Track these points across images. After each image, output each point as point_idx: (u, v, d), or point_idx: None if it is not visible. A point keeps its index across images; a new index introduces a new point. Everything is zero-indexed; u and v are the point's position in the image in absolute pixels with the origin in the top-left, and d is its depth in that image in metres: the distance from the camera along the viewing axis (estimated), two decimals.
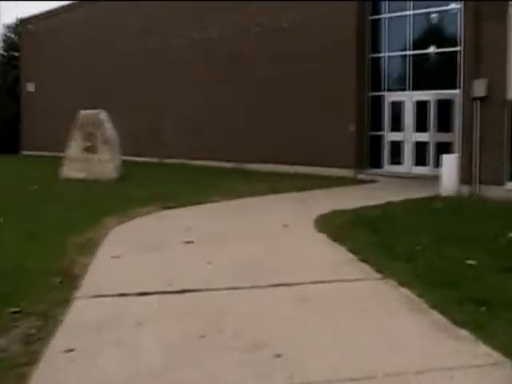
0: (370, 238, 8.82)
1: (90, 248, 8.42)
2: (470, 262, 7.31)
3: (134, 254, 8.01)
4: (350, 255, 7.79)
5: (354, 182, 18.62)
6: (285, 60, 21.43)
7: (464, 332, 5.02)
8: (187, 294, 6.11)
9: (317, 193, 15.45)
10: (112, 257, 7.79)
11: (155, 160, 25.96)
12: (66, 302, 5.92)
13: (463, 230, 9.43)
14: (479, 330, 5.03)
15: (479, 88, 14.23)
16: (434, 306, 5.65)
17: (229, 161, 23.11)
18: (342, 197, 14.81)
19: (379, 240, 8.61)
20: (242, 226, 10.23)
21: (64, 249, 8.26)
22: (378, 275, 6.81)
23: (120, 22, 28.35)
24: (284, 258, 7.75)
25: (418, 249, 8.02)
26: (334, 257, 7.81)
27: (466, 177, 14.58)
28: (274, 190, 15.61)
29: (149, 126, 26.94)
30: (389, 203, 12.96)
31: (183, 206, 12.59)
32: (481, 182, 14.39)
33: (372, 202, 12.86)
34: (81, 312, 5.63)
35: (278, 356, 4.48)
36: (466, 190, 14.52)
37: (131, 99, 27.67)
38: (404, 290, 6.21)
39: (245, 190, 15.65)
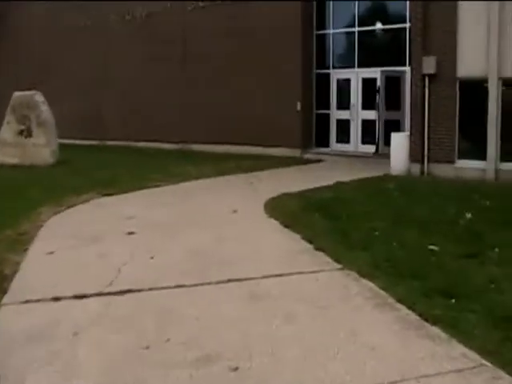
0: (324, 223, 8.35)
1: (22, 243, 7.67)
2: (431, 247, 6.93)
3: (70, 249, 7.31)
4: (305, 244, 7.30)
5: (300, 161, 18.15)
6: (231, 36, 20.68)
7: (436, 330, 4.60)
8: (128, 295, 5.50)
9: (264, 174, 14.90)
10: (46, 253, 7.09)
11: (97, 143, 24.94)
12: None
13: (419, 213, 9.08)
14: (451, 327, 4.63)
15: (428, 65, 13.91)
16: (400, 300, 5.22)
17: (174, 142, 22.33)
18: (290, 178, 14.33)
19: (334, 226, 8.15)
20: (188, 213, 9.61)
21: None
22: (337, 265, 6.34)
23: None
24: (234, 249, 7.20)
25: (376, 234, 7.60)
26: (288, 246, 7.30)
27: (415, 155, 14.30)
28: (221, 172, 15.02)
29: (89, 107, 25.76)
30: (338, 184, 12.56)
31: (125, 192, 11.86)
32: (431, 161, 14.14)
33: (321, 183, 12.41)
34: (7, 322, 4.96)
35: (234, 370, 3.94)
36: (416, 168, 14.26)
37: (70, 80, 26.37)
38: (366, 282, 5.76)
39: (190, 172, 14.99)
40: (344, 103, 19.54)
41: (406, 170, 14.37)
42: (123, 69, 24.31)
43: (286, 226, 8.17)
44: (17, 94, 17.38)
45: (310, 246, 7.17)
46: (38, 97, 17.09)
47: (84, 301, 5.38)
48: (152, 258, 6.71)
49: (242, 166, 16.63)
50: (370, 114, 18.91)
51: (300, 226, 8.09)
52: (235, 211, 9.44)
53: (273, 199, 10.46)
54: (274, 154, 19.04)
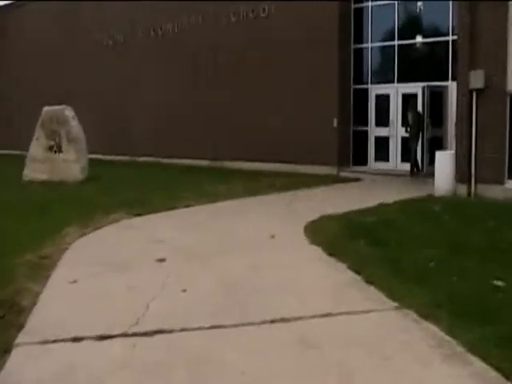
0: (372, 251, 7.62)
1: (44, 268, 7.11)
2: (496, 282, 6.16)
3: (95, 278, 6.70)
4: (353, 275, 6.58)
5: (337, 180, 17.42)
6: (264, 51, 20.18)
7: None
8: (158, 337, 4.84)
9: (300, 194, 14.22)
10: (69, 282, 6.48)
11: (126, 158, 24.57)
12: (3, 350, 4.63)
13: (474, 239, 8.29)
14: None
15: (476, 79, 13.11)
16: (471, 350, 4.47)
17: (204, 158, 21.82)
18: (329, 198, 13.61)
19: (383, 254, 7.41)
20: (222, 237, 8.95)
21: (12, 271, 6.93)
22: (391, 303, 5.61)
23: (83, 17, 26.85)
24: (274, 280, 6.50)
25: (432, 265, 6.84)
26: (334, 277, 6.59)
27: (462, 175, 13.46)
28: (254, 192, 14.37)
29: (119, 122, 25.49)
30: (381, 205, 11.80)
31: (155, 212, 11.28)
32: (478, 181, 13.28)
33: (363, 204, 11.69)
34: (19, 368, 4.33)
35: None
36: (462, 189, 13.41)
37: (99, 95, 26.18)
38: (428, 325, 5.02)
39: (222, 191, 14.39)
40: (383, 120, 18.80)
41: (451, 191, 13.53)
42: (153, 84, 23.93)
43: (331, 254, 7.45)
44: (46, 108, 17.01)
45: (358, 278, 6.46)
46: (68, 112, 16.71)
47: (107, 342, 4.74)
48: (184, 290, 6.04)
49: (276, 184, 15.98)
50: None
51: (345, 254, 7.37)
52: (273, 236, 8.75)
53: (313, 222, 9.75)
54: (308, 172, 18.36)
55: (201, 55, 22.19)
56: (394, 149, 18.57)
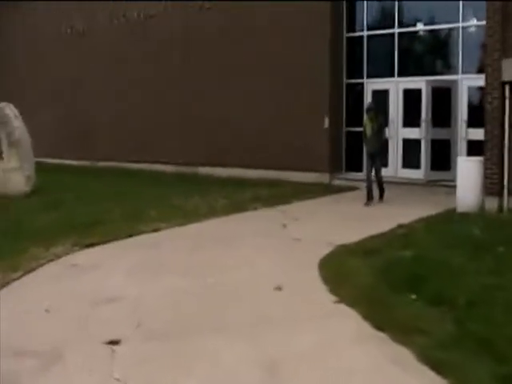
0: (438, 317, 5.04)
1: None
2: None
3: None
4: (433, 376, 3.97)
5: (331, 190, 14.90)
6: (242, 39, 17.53)
7: None
8: None
9: (294, 209, 11.64)
10: None
11: (87, 163, 21.64)
12: None
13: None
14: None
15: (510, 69, 10.69)
16: None
17: (176, 164, 19.06)
18: (329, 215, 11.03)
19: (460, 326, 4.80)
20: (205, 291, 6.25)
21: None
22: None
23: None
24: None
25: None
26: (399, 378, 3.98)
27: (491, 186, 11.05)
28: (238, 207, 11.76)
29: (79, 122, 22.52)
30: (401, 228, 9.33)
31: (110, 240, 8.62)
32: None
33: (376, 227, 9.28)
34: None
35: None
36: (492, 203, 10.98)
37: (57, 92, 23.14)
38: None
39: (198, 206, 11.77)
40: None
41: (477, 206, 11.09)
42: (116, 79, 21.06)
43: (379, 328, 4.84)
44: None
45: (441, 381, 3.86)
46: (10, 110, 13.85)
47: None
48: None
49: (261, 195, 13.43)
50: (413, 132, 15.67)
51: (401, 326, 4.77)
52: (279, 288, 6.11)
53: (327, 259, 7.19)
54: (295, 180, 15.80)
55: (171, 46, 19.43)
56: (394, 153, 16.06)
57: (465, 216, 10.48)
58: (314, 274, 6.53)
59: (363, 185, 15.51)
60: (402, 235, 8.72)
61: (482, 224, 9.50)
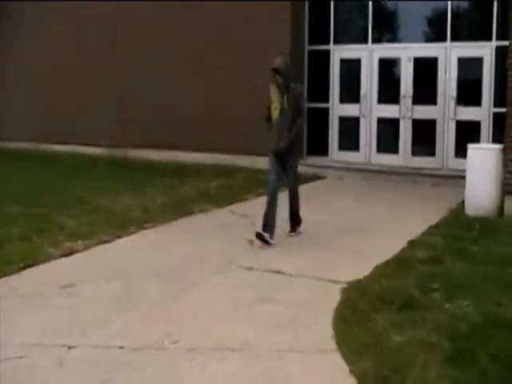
0: None
1: None
2: None
3: None
4: None
5: None
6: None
7: None
8: None
9: (254, 211, 8.72)
10: None
11: None
12: None
13: None
14: None
15: None
16: None
17: (102, 146, 15.88)
18: (305, 221, 8.30)
19: None
20: None
21: None
22: None
23: None
24: None
25: None
26: None
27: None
28: (180, 207, 8.96)
29: None
30: (413, 246, 6.73)
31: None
32: None
33: (380, 245, 6.80)
34: None
35: None
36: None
37: None
38: None
39: (128, 207, 8.88)
40: (351, 93, 13.60)
41: (493, 208, 8.61)
42: (35, 50, 17.59)
43: None
44: None
45: None
46: None
47: None
48: None
49: (209, 190, 10.61)
50: (391, 110, 13.10)
51: None
52: None
53: (344, 319, 4.45)
54: (246, 166, 13.04)
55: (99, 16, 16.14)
56: (367, 134, 13.46)
57: (485, 223, 7.95)
58: (329, 343, 3.76)
59: (330, 173, 13.00)
60: (423, 262, 6.07)
61: None
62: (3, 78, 18.35)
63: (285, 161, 7.13)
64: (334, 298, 4.96)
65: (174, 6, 14.48)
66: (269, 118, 7.14)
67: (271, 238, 6.86)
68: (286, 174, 7.23)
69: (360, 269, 5.77)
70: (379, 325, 4.39)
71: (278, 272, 5.75)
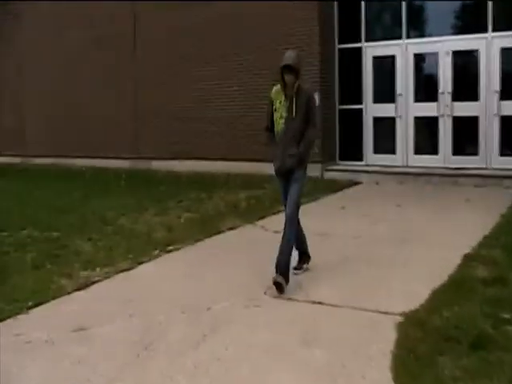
0: None
1: None
2: None
3: None
4: None
5: (325, 186, 11.41)
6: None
7: None
8: None
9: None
10: None
11: (18, 161, 17.80)
12: None
13: None
14: None
15: None
16: None
17: (125, 158, 15.35)
18: (345, 238, 7.56)
19: None
20: None
21: None
22: None
23: None
24: None
25: None
26: None
27: None
28: (208, 225, 8.22)
29: (8, 115, 18.54)
30: (471, 260, 5.92)
31: None
32: None
33: (434, 259, 6.12)
34: None
35: None
36: None
37: None
38: None
39: (153, 227, 8.16)
40: (385, 93, 12.80)
41: None
42: (57, 64, 17.16)
43: None
44: None
45: None
46: None
47: None
48: None
49: (238, 203, 9.91)
50: (429, 108, 12.26)
51: None
52: None
53: (402, 359, 3.73)
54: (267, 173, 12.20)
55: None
56: (404, 135, 12.64)
57: None
58: None
59: (366, 178, 12.21)
60: (486, 283, 5.25)
61: None
62: (25, 92, 17.94)
63: (290, 177, 5.62)
64: (388, 335, 4.19)
65: (198, 15, 13.89)
66: (270, 129, 5.77)
67: (303, 263, 6.04)
68: (289, 194, 5.59)
69: (413, 294, 5.00)
70: (446, 372, 3.61)
71: (319, 303, 4.99)
